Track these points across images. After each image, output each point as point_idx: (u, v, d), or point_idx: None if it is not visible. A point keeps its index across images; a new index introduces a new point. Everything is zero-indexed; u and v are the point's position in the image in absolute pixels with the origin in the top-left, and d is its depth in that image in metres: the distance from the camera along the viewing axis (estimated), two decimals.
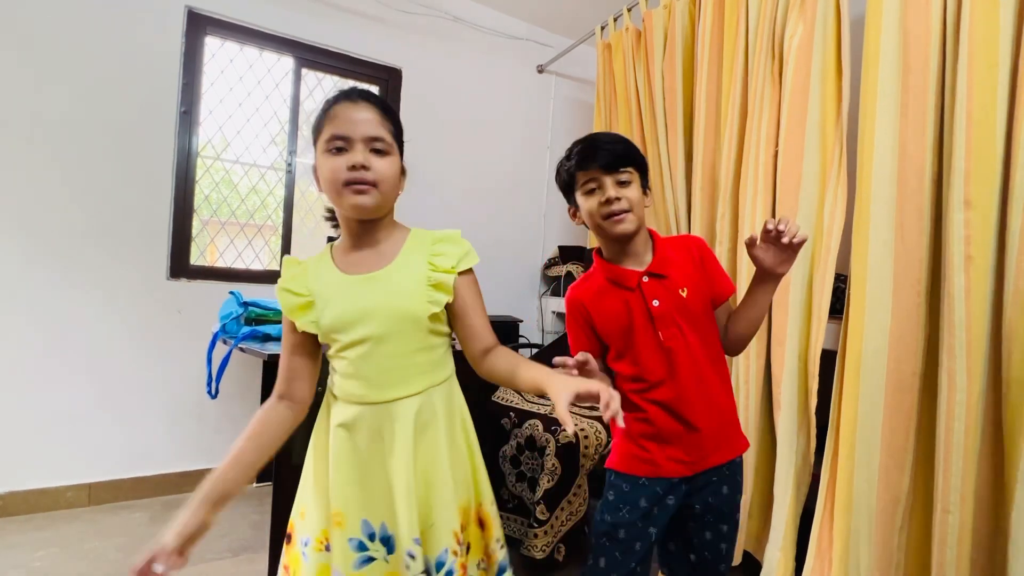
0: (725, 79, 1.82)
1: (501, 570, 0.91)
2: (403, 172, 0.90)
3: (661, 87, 2.09)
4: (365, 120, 0.81)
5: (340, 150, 0.80)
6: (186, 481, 2.19)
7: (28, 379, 1.93)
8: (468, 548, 0.88)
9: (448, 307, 0.87)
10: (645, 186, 1.04)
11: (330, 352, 0.88)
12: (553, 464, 1.70)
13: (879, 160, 1.31)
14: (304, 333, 0.86)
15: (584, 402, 0.71)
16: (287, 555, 0.89)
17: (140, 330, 2.09)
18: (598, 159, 0.98)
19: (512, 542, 1.82)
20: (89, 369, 2.02)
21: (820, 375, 1.46)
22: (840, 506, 1.35)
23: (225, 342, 1.72)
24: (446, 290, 0.85)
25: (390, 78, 2.62)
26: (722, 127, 1.81)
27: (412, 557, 0.81)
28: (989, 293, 1.14)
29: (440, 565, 0.82)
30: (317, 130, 0.84)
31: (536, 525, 1.66)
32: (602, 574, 1.01)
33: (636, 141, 2.14)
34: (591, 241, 2.55)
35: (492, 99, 2.89)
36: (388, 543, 0.83)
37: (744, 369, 1.64)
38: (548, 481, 1.68)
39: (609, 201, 0.98)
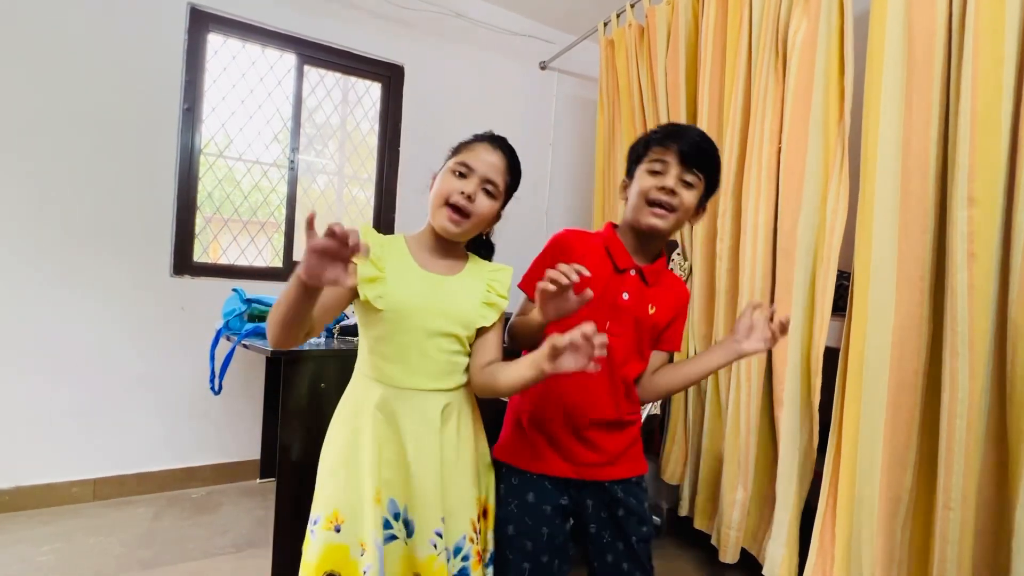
0: (728, 76, 1.81)
1: (491, 558, 1.01)
2: (498, 217, 1.02)
3: (664, 84, 2.09)
4: (492, 164, 0.95)
5: (462, 175, 0.94)
6: (190, 477, 2.20)
7: (33, 375, 1.94)
8: (479, 534, 0.96)
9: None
10: (703, 202, 1.01)
11: (374, 331, 0.92)
12: None
13: (883, 156, 1.30)
14: (339, 291, 0.88)
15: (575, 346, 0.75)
16: (305, 539, 0.92)
17: (144, 327, 2.10)
18: (682, 144, 0.96)
19: None
20: (93, 366, 2.03)
21: (823, 372, 1.46)
22: (842, 503, 1.35)
23: (228, 339, 1.73)
24: (497, 309, 0.98)
25: (392, 75, 2.62)
26: (725, 124, 1.81)
27: (440, 536, 0.89)
28: (993, 290, 1.13)
29: (458, 550, 0.91)
30: (455, 151, 0.99)
31: None
32: (498, 572, 0.99)
33: None
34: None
35: (494, 96, 2.88)
36: (408, 526, 0.89)
37: (746, 367, 1.64)
38: None
39: (664, 189, 0.95)
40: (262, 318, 1.71)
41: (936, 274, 1.25)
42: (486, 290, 0.98)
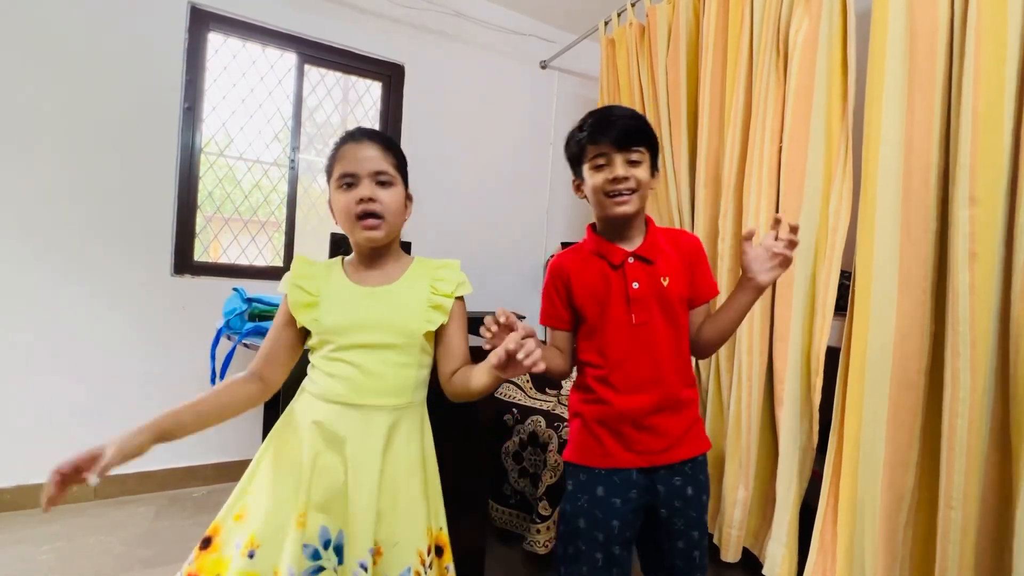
0: (729, 75, 1.81)
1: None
2: (409, 199, 0.98)
3: (665, 83, 2.08)
4: (369, 157, 0.90)
5: (350, 185, 0.90)
6: (191, 476, 2.20)
7: (33, 374, 1.94)
8: (430, 568, 0.89)
9: (437, 329, 0.94)
10: (655, 167, 1.02)
11: (319, 352, 0.91)
12: (556, 460, 1.70)
13: (885, 156, 1.30)
14: (294, 329, 0.92)
15: (512, 356, 0.77)
16: (196, 562, 0.84)
17: (144, 326, 2.10)
18: (610, 134, 0.96)
19: (514, 537, 1.82)
20: (94, 365, 2.03)
21: (824, 372, 1.45)
22: (844, 503, 1.35)
23: (229, 338, 1.73)
24: (443, 311, 0.94)
25: (393, 74, 2.62)
26: (726, 123, 1.80)
27: (364, 569, 0.81)
28: (995, 290, 1.13)
29: None
30: (329, 170, 0.94)
31: (538, 520, 1.67)
32: (569, 561, 1.00)
33: None
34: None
35: (495, 95, 2.88)
36: (340, 552, 0.83)
37: (747, 365, 1.64)
38: (550, 477, 1.68)
39: (617, 180, 0.96)
40: (263, 317, 1.71)
41: (938, 274, 1.25)
42: (431, 292, 0.94)
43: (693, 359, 1.12)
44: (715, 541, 1.73)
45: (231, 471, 2.28)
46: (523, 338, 0.77)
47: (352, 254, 0.99)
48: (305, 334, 0.93)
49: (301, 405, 0.92)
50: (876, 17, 1.33)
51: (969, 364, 1.13)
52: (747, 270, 0.98)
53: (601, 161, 0.98)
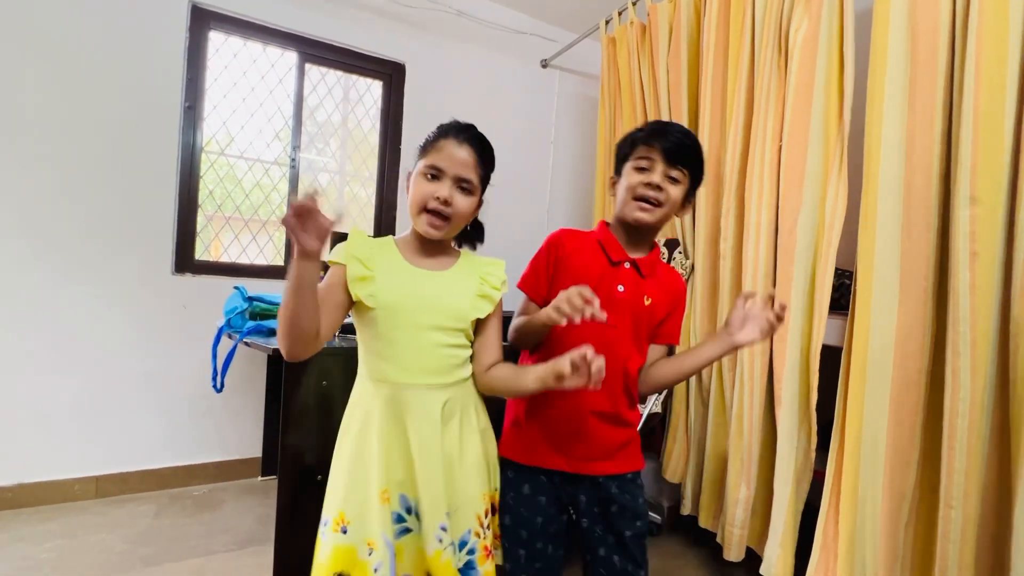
0: (730, 74, 1.81)
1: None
2: (480, 203, 1.01)
3: (666, 82, 2.08)
4: (462, 161, 0.93)
5: (434, 177, 0.93)
6: (192, 474, 2.20)
7: (35, 373, 1.95)
8: (487, 529, 0.97)
9: (480, 320, 0.98)
10: (689, 197, 1.04)
11: (370, 331, 0.93)
12: None
13: (886, 155, 1.30)
14: (341, 292, 0.92)
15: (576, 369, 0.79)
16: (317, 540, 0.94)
17: (146, 325, 2.11)
18: (664, 141, 0.98)
19: None
20: (95, 363, 2.04)
21: (820, 371, 1.46)
22: (845, 502, 1.35)
23: (230, 336, 1.73)
24: (491, 302, 0.99)
25: (393, 73, 2.62)
26: (727, 122, 1.80)
27: (444, 530, 0.89)
28: (996, 289, 1.13)
29: (463, 544, 0.93)
30: (423, 151, 0.97)
31: None
32: (504, 557, 1.02)
33: None
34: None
35: (496, 94, 2.88)
36: (420, 518, 0.91)
37: (748, 365, 1.64)
38: None
39: (651, 185, 0.98)
40: (264, 316, 1.71)
41: (939, 273, 1.25)
42: (480, 283, 0.98)
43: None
44: (718, 540, 1.74)
45: (232, 469, 2.29)
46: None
47: (406, 235, 1.01)
48: (351, 303, 0.93)
49: (361, 389, 0.96)
50: (877, 16, 1.32)
51: (970, 363, 1.13)
52: (730, 325, 1.01)
53: (644, 164, 1.00)
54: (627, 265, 1.03)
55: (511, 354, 1.06)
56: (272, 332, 1.64)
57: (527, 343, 1.05)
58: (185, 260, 2.18)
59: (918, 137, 1.26)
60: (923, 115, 1.25)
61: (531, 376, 0.87)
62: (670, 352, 1.12)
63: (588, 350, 0.79)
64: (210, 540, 1.80)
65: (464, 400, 0.96)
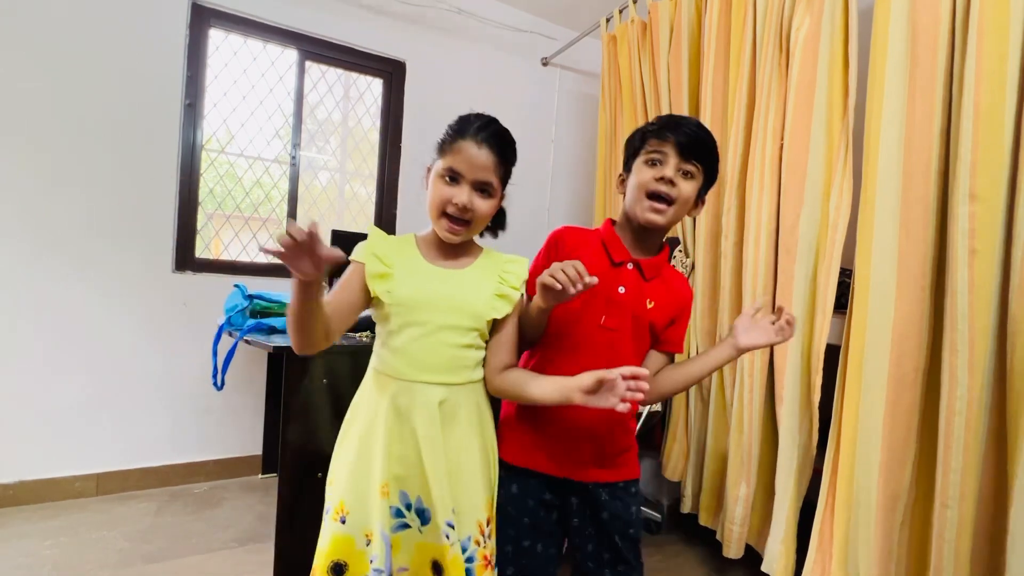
0: (732, 72, 1.80)
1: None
2: (502, 198, 0.99)
3: (667, 80, 2.08)
4: (482, 165, 0.90)
5: (453, 180, 0.91)
6: (193, 472, 2.21)
7: (36, 370, 1.95)
8: (488, 539, 0.95)
9: (495, 320, 0.97)
10: (702, 194, 1.00)
11: (386, 326, 0.93)
12: None
13: (885, 152, 1.30)
14: (361, 296, 0.93)
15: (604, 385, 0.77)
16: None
17: (146, 322, 2.11)
18: (677, 134, 0.94)
19: None
20: (96, 361, 2.04)
21: (824, 369, 1.46)
22: (841, 500, 1.35)
23: (231, 334, 1.73)
24: (509, 302, 0.96)
25: (394, 71, 2.61)
26: (728, 121, 1.80)
27: (452, 527, 0.89)
28: (995, 287, 1.13)
29: (463, 550, 0.91)
30: (441, 150, 0.93)
31: None
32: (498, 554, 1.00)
33: None
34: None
35: (496, 92, 2.88)
36: (423, 515, 0.90)
37: (749, 364, 1.64)
38: None
39: (664, 180, 0.93)
40: (264, 314, 1.71)
41: (937, 271, 1.25)
42: (498, 282, 0.97)
43: None
44: (717, 538, 1.74)
45: (233, 467, 2.29)
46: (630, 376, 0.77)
47: (426, 233, 1.00)
48: (366, 303, 0.94)
49: (369, 382, 0.96)
50: (878, 13, 1.32)
51: (967, 362, 1.13)
52: (736, 331, 1.00)
53: (657, 157, 0.95)
54: (630, 266, 0.99)
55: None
56: (272, 330, 1.64)
57: (524, 338, 1.03)
58: (185, 258, 2.18)
59: (917, 134, 1.26)
60: (922, 112, 1.25)
61: (551, 387, 0.86)
62: (671, 360, 1.10)
63: (642, 371, 0.77)
64: (211, 537, 1.80)
65: (471, 403, 0.95)
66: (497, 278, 0.97)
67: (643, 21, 2.22)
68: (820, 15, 1.49)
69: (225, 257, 2.34)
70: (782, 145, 1.58)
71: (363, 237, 0.99)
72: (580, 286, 0.81)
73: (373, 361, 0.97)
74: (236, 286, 1.81)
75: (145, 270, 2.10)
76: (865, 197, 1.33)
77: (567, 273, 0.81)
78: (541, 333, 1.02)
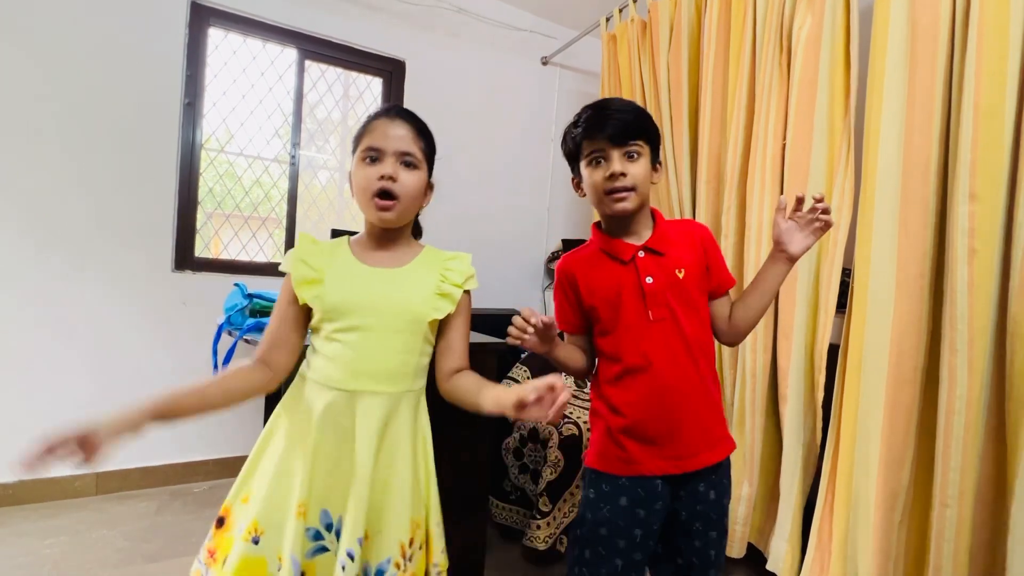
0: (732, 71, 1.80)
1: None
2: (430, 187, 0.96)
3: (667, 79, 2.08)
4: (399, 136, 0.88)
5: (374, 160, 0.88)
6: (193, 471, 2.21)
7: (36, 369, 1.95)
8: (411, 561, 0.87)
9: (441, 321, 0.92)
10: (655, 160, 0.98)
11: (319, 334, 0.88)
12: (556, 456, 1.70)
13: (884, 152, 1.30)
14: (298, 308, 0.89)
15: (538, 395, 0.72)
16: (215, 539, 0.88)
17: (146, 321, 2.11)
18: (606, 128, 0.93)
19: (514, 533, 1.83)
20: (95, 360, 2.04)
21: (827, 369, 1.46)
22: (840, 499, 1.36)
23: (230, 334, 1.73)
24: (451, 301, 0.91)
25: (394, 70, 2.61)
26: (728, 120, 1.80)
27: (351, 558, 0.80)
28: (994, 287, 1.13)
29: (380, 573, 0.83)
30: (357, 141, 0.91)
31: (539, 516, 1.68)
32: (586, 564, 0.97)
33: None
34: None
35: (496, 91, 2.87)
36: (340, 536, 0.83)
37: (751, 362, 1.64)
38: (551, 473, 1.69)
39: (613, 176, 0.92)
40: (264, 313, 1.71)
41: (936, 270, 1.25)
42: (440, 280, 0.91)
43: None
44: None
45: (233, 466, 2.29)
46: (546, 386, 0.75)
47: (360, 234, 0.96)
48: (309, 316, 0.90)
49: (299, 390, 0.89)
50: (878, 13, 1.32)
51: (967, 361, 1.13)
52: (779, 242, 0.96)
53: (598, 156, 0.94)
54: (641, 254, 0.97)
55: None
56: None
57: (574, 372, 1.06)
58: (185, 257, 2.18)
59: (917, 134, 1.26)
60: (922, 112, 1.25)
61: (490, 397, 0.81)
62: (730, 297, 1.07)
63: (556, 380, 0.72)
64: (197, 540, 1.80)
65: (408, 414, 0.88)
66: (438, 276, 0.91)
67: (643, 20, 2.22)
68: (822, 15, 1.49)
69: (224, 256, 2.34)
70: (784, 145, 1.58)
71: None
72: (531, 332, 0.85)
73: (302, 368, 0.90)
74: (236, 285, 1.80)
75: (144, 269, 2.10)
76: (865, 196, 1.33)
77: (516, 325, 0.85)
78: (582, 365, 1.04)
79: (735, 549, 1.67)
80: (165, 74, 2.10)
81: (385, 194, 0.86)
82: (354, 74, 2.59)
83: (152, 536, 1.78)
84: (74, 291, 1.99)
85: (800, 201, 0.96)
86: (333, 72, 2.54)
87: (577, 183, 1.04)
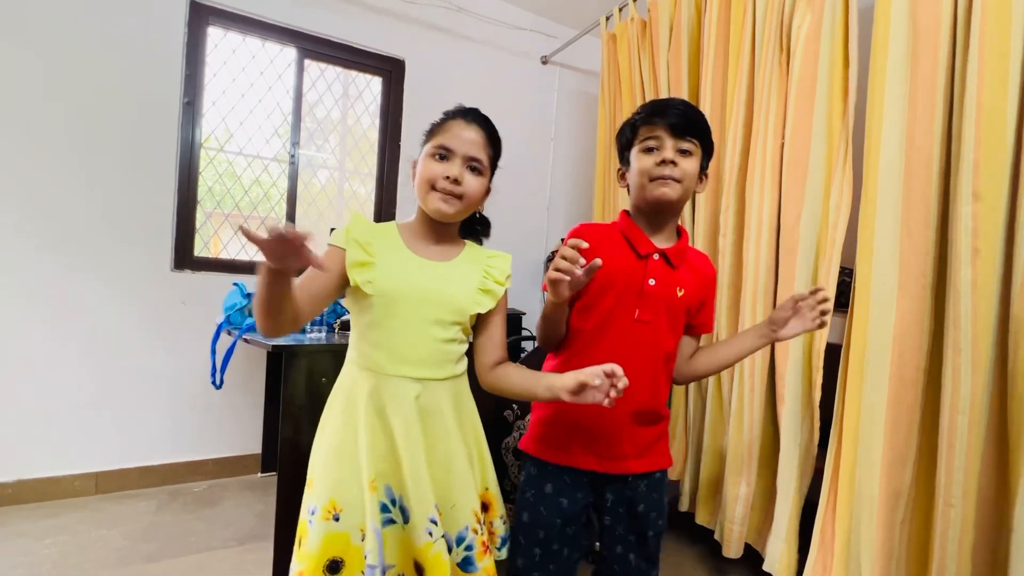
0: (731, 70, 1.80)
1: (503, 542, 1.03)
2: (488, 191, 0.99)
3: (667, 78, 2.07)
4: (471, 140, 0.92)
5: (443, 158, 0.92)
6: (192, 471, 2.21)
7: (35, 369, 1.95)
8: (483, 525, 0.96)
9: (481, 316, 0.97)
10: (704, 168, 1.00)
11: (365, 318, 0.91)
12: None
13: (886, 151, 1.29)
14: (332, 278, 0.89)
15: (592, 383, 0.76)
16: (300, 528, 0.93)
17: (145, 321, 2.11)
18: (667, 117, 0.94)
19: None
20: (95, 359, 2.04)
21: (824, 369, 1.46)
22: (842, 499, 1.35)
23: (229, 333, 1.73)
24: (493, 296, 0.96)
25: (393, 69, 2.61)
26: (728, 119, 1.80)
27: (435, 523, 0.88)
28: (996, 287, 1.13)
29: (460, 540, 0.92)
30: (430, 134, 0.95)
31: None
32: (517, 554, 1.00)
33: None
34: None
35: (495, 91, 2.87)
36: (404, 513, 0.90)
37: (748, 362, 1.64)
38: None
39: (665, 162, 0.93)
40: None
41: (938, 270, 1.25)
42: (483, 276, 0.96)
43: None
44: (716, 537, 1.74)
45: (232, 466, 2.29)
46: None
47: (409, 221, 0.99)
48: (341, 290, 0.92)
49: (348, 377, 0.94)
50: (878, 11, 1.32)
51: (970, 361, 1.13)
52: (774, 322, 0.99)
53: (652, 144, 0.95)
54: (656, 257, 0.98)
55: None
56: None
57: (549, 339, 1.02)
58: (184, 256, 2.17)
59: (919, 133, 1.26)
60: (924, 111, 1.25)
61: (542, 384, 0.86)
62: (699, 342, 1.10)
63: (617, 367, 0.76)
64: (210, 536, 1.80)
65: (453, 397, 0.94)
66: (482, 272, 0.96)
67: (643, 19, 2.21)
68: (821, 13, 1.49)
69: (224, 256, 2.34)
70: (783, 144, 1.58)
71: None
72: (581, 271, 0.79)
73: (351, 355, 0.95)
74: (235, 284, 1.80)
75: (144, 268, 2.10)
76: (866, 196, 1.33)
77: (566, 257, 0.79)
78: (564, 332, 1.01)
79: (732, 549, 1.66)
80: (164, 73, 2.10)
81: (447, 193, 0.91)
82: (353, 73, 2.59)
83: (151, 536, 1.78)
84: (73, 290, 1.99)
85: (813, 292, 0.99)
86: (332, 71, 2.54)
87: (622, 173, 1.04)
